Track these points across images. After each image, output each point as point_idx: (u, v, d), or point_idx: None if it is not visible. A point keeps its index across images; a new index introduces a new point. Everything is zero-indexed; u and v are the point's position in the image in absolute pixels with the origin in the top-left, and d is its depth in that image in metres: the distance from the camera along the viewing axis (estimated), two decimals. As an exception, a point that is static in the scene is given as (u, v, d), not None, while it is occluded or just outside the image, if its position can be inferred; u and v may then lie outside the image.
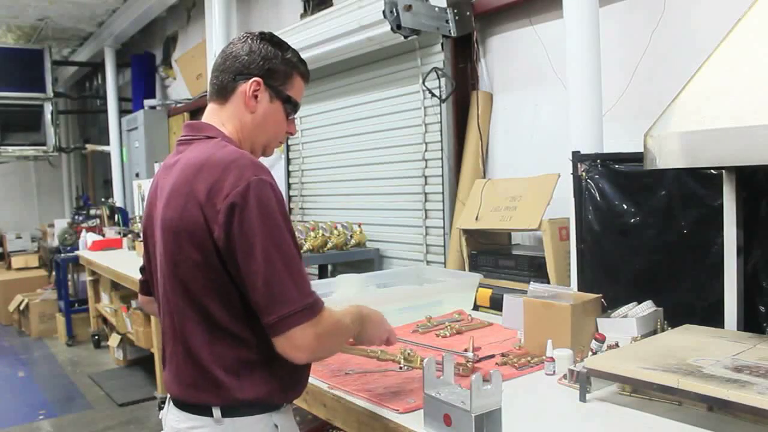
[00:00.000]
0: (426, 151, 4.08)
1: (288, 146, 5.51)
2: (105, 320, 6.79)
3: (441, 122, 3.94)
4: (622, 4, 3.09)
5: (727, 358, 1.75)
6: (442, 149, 3.94)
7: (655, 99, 2.58)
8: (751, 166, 2.00)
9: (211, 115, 1.67)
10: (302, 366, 1.61)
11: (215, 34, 5.68)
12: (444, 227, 3.97)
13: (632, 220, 2.43)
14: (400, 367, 2.02)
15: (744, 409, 1.52)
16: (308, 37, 4.39)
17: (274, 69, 1.64)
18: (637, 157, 1.94)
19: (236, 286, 1.47)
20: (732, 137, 1.70)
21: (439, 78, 3.89)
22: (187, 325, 1.53)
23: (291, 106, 1.70)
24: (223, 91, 1.65)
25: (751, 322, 2.08)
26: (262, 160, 1.65)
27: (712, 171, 2.17)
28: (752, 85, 1.73)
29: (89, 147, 10.14)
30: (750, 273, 2.10)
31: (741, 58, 1.80)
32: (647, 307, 2.22)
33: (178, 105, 7.78)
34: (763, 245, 2.10)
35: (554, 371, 2.04)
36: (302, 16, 4.94)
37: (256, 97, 1.63)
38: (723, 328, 2.08)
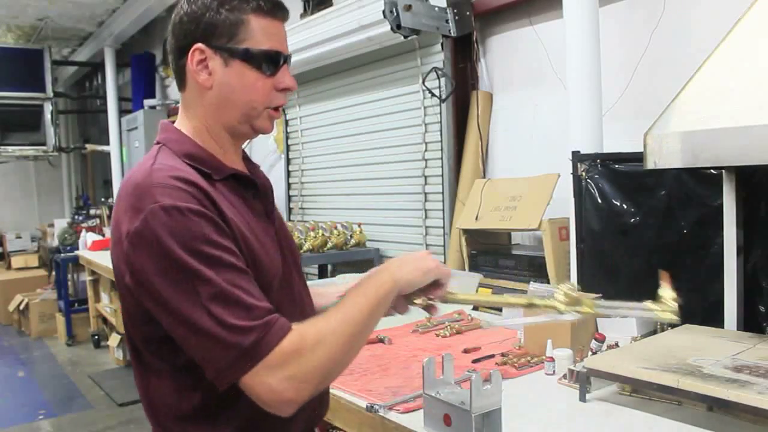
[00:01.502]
0: (426, 150, 4.08)
1: (288, 146, 5.51)
2: (105, 320, 6.79)
3: (441, 122, 3.94)
4: (622, 4, 3.09)
5: (727, 358, 1.75)
6: (441, 149, 3.95)
7: (654, 99, 2.58)
8: (750, 166, 2.00)
9: (180, 108, 1.37)
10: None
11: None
12: (444, 227, 3.97)
13: (632, 220, 2.43)
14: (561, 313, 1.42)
15: (744, 408, 1.52)
16: (308, 36, 4.40)
17: (213, 24, 1.25)
18: (637, 157, 1.94)
19: None
20: (732, 137, 1.70)
21: (438, 78, 3.89)
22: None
23: (260, 59, 1.27)
24: (178, 78, 1.33)
25: (751, 322, 2.08)
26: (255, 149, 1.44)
27: (712, 171, 2.17)
28: (752, 85, 1.73)
29: (89, 147, 10.13)
30: (750, 273, 2.10)
31: (741, 57, 1.81)
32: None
33: (178, 105, 7.77)
34: (763, 245, 2.10)
35: (554, 371, 2.04)
36: (302, 15, 4.94)
37: (206, 68, 1.27)
38: (723, 328, 2.08)
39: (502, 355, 2.21)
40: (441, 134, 3.95)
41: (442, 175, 3.97)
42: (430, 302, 1.38)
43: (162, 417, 1.27)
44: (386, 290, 1.27)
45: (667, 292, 1.48)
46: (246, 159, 1.44)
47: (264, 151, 5.75)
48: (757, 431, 1.57)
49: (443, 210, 3.96)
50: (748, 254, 2.09)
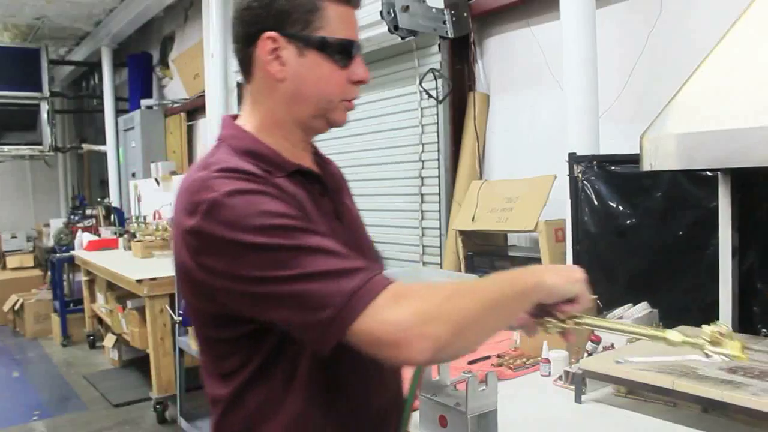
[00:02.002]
0: (423, 152, 4.09)
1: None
2: (100, 320, 6.78)
3: (438, 123, 3.94)
4: (620, 6, 3.09)
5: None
6: (438, 150, 3.95)
7: (651, 101, 2.59)
8: (746, 168, 2.01)
9: (244, 100, 1.26)
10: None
11: (212, 34, 5.67)
12: (440, 228, 3.97)
13: (628, 222, 2.44)
14: (707, 355, 1.25)
15: (738, 410, 1.53)
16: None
17: (286, 10, 1.14)
18: (633, 159, 1.95)
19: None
20: (727, 139, 1.71)
21: (436, 79, 3.89)
22: None
23: (336, 48, 1.17)
24: (244, 68, 1.22)
25: (745, 323, 2.09)
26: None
27: (708, 173, 2.17)
28: (748, 87, 1.73)
29: (85, 147, 10.12)
30: (745, 274, 2.10)
31: (737, 60, 1.81)
32: (643, 308, 2.22)
33: (175, 105, 7.77)
34: (757, 247, 2.11)
35: (550, 373, 2.04)
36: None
37: (279, 58, 1.16)
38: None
39: (498, 356, 2.21)
40: (438, 135, 3.95)
41: (438, 177, 3.97)
42: (566, 326, 1.21)
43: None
44: (527, 285, 1.09)
45: None
46: (316, 154, 1.34)
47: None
48: (751, 433, 1.58)
49: (440, 211, 3.96)
50: (743, 256, 2.10)
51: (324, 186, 1.26)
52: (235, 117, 1.26)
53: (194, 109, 7.27)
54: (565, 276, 1.14)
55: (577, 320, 1.21)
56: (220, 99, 5.72)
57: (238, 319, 1.09)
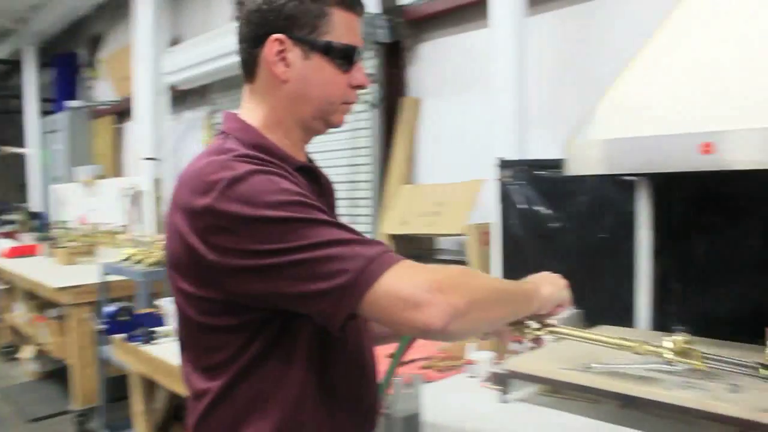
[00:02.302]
0: (356, 156, 4.09)
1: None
2: (17, 331, 6.50)
3: (371, 128, 3.95)
4: (550, 15, 3.16)
5: (638, 356, 1.80)
6: (371, 155, 3.96)
7: (577, 107, 2.65)
8: (663, 174, 2.08)
9: (246, 100, 1.29)
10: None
11: (143, 36, 5.55)
12: (372, 232, 3.97)
13: (553, 225, 2.49)
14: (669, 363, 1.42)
15: (652, 404, 1.58)
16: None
17: (295, 14, 1.18)
18: (559, 164, 1.99)
19: None
20: (646, 146, 1.77)
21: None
22: None
23: (340, 53, 1.21)
24: (248, 67, 1.26)
25: (662, 322, 2.16)
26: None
27: (629, 178, 2.24)
28: (665, 96, 1.80)
29: (5, 149, 9.72)
30: (661, 275, 2.17)
31: (656, 69, 1.88)
32: (568, 309, 2.27)
33: (103, 107, 7.55)
34: (673, 249, 2.18)
35: (476, 374, 2.06)
36: (234, 19, 4.88)
37: (284, 60, 1.20)
38: (635, 328, 2.15)
39: (426, 359, 2.22)
40: (371, 140, 3.96)
41: (371, 181, 3.98)
42: (540, 334, 1.32)
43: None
44: (529, 290, 1.24)
45: None
46: (310, 161, 1.35)
47: (191, 155, 5.62)
48: (665, 425, 1.63)
49: (372, 215, 3.96)
50: (660, 258, 2.17)
51: (322, 188, 1.30)
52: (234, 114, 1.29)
53: (123, 112, 7.08)
54: (555, 285, 1.30)
55: (551, 329, 1.31)
56: (150, 101, 5.59)
57: (242, 307, 1.09)
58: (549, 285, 1.29)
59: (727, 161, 1.60)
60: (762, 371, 1.37)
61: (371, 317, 1.04)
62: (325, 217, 1.05)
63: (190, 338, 1.21)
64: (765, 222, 2.04)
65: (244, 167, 1.06)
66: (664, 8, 1.93)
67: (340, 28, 1.21)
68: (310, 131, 1.27)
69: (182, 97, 5.99)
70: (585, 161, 1.92)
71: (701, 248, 2.16)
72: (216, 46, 4.73)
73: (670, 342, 1.36)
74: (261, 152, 1.15)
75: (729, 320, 2.01)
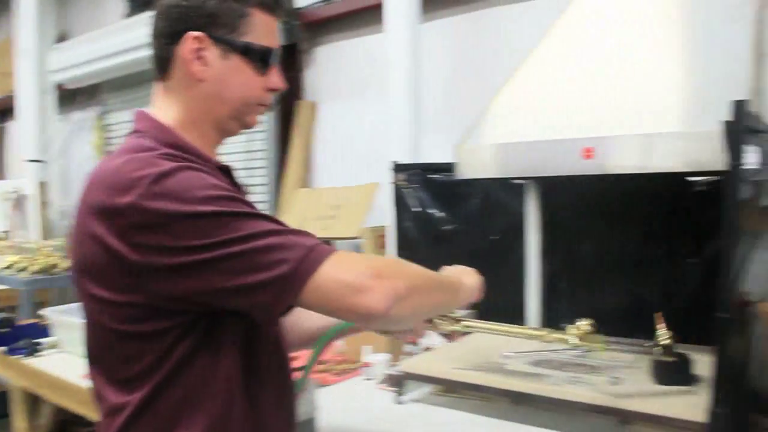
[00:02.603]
0: (251, 159, 4.03)
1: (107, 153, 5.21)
2: None
3: (267, 131, 3.91)
4: (443, 21, 3.23)
5: (528, 354, 1.86)
6: (266, 158, 3.92)
7: (470, 112, 2.71)
8: (550, 177, 2.16)
9: (157, 98, 1.24)
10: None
11: (26, 30, 5.25)
12: (269, 236, 3.92)
13: (446, 228, 2.54)
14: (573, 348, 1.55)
15: (541, 399, 1.64)
16: (131, 38, 4.18)
17: (216, 13, 1.16)
18: (452, 168, 2.03)
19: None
20: (533, 150, 1.83)
21: (264, 86, 3.85)
22: None
23: (258, 55, 1.19)
24: (162, 64, 1.21)
25: (551, 320, 2.24)
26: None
27: (518, 181, 2.31)
28: (552, 102, 1.87)
29: None
30: (550, 275, 2.25)
31: (543, 76, 1.95)
32: (460, 309, 2.32)
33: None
34: (561, 250, 2.27)
35: (372, 376, 2.08)
36: (126, 16, 4.71)
37: (202, 59, 1.16)
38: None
39: (322, 362, 2.21)
40: (266, 143, 3.92)
41: (267, 185, 3.93)
42: (456, 329, 1.38)
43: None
44: (456, 282, 1.27)
45: (662, 332, 1.57)
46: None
47: (81, 158, 5.41)
48: (555, 419, 1.69)
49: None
50: (548, 258, 2.25)
51: (239, 189, 1.26)
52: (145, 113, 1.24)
53: (5, 110, 6.68)
54: (476, 282, 1.34)
55: (464, 323, 1.39)
56: (35, 100, 5.30)
57: (166, 310, 1.05)
58: (469, 277, 1.34)
59: (607, 166, 1.68)
60: (656, 350, 1.53)
61: (313, 306, 1.02)
62: (256, 211, 1.03)
63: (103, 349, 1.13)
64: (643, 223, 2.16)
65: (169, 164, 1.03)
66: (552, 17, 2.01)
67: (260, 29, 1.19)
68: (224, 132, 1.24)
69: (70, 97, 5.72)
70: (476, 165, 1.96)
71: (586, 249, 2.26)
72: (107, 43, 4.55)
73: (574, 329, 1.48)
74: (178, 152, 1.12)
75: (613, 317, 2.10)
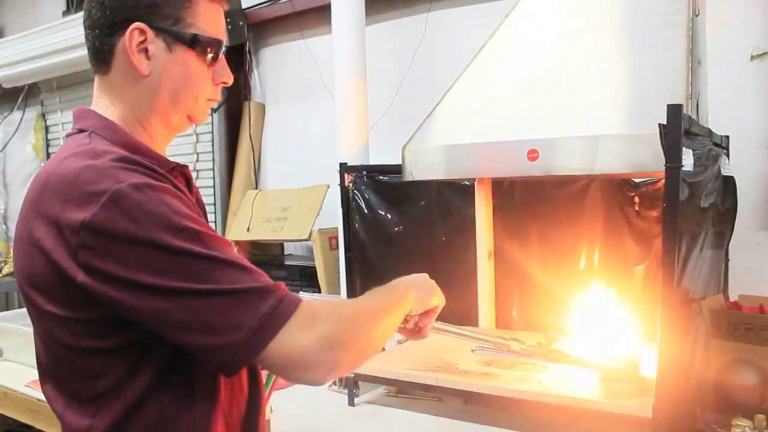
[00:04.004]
0: (197, 161, 3.98)
1: (48, 155, 5.05)
2: None
3: (212, 132, 3.87)
4: (389, 24, 3.25)
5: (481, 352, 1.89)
6: (213, 160, 3.88)
7: (417, 114, 2.74)
8: (499, 178, 2.20)
9: (98, 93, 1.14)
10: None
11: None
12: (217, 239, 3.88)
13: (396, 229, 2.55)
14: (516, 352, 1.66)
15: (492, 399, 1.67)
16: (71, 37, 4.06)
17: (158, 2, 1.07)
18: (400, 170, 2.04)
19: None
20: (479, 151, 1.86)
21: (209, 87, 3.81)
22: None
23: (205, 46, 1.11)
24: (100, 57, 1.12)
25: (503, 320, 2.28)
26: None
27: (467, 183, 2.34)
28: (497, 104, 1.90)
29: None
30: (498, 276, 2.29)
31: (487, 78, 1.98)
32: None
33: None
34: (512, 250, 2.30)
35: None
36: (65, 13, 4.58)
37: (146, 51, 1.08)
38: (478, 326, 2.25)
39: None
40: (213, 144, 3.87)
41: (213, 186, 3.89)
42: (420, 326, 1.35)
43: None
44: (405, 297, 1.22)
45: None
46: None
47: (21, 160, 5.24)
48: (505, 418, 1.72)
49: (215, 222, 3.87)
50: (498, 259, 2.28)
51: (191, 190, 1.19)
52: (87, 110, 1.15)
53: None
54: (428, 290, 1.31)
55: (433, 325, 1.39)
56: None
57: (127, 324, 0.96)
58: (421, 287, 1.30)
59: (551, 168, 1.71)
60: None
61: (264, 368, 1.00)
62: (220, 251, 0.94)
63: (61, 365, 1.04)
64: (584, 223, 2.21)
65: (129, 178, 0.93)
66: (497, 20, 2.04)
67: (205, 19, 1.11)
68: (172, 129, 1.18)
69: (8, 96, 5.54)
70: (422, 166, 1.98)
71: (534, 249, 2.30)
72: (45, 41, 4.42)
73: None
74: (133, 153, 1.04)
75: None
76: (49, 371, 1.08)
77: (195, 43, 1.10)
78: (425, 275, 1.35)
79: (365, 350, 1.07)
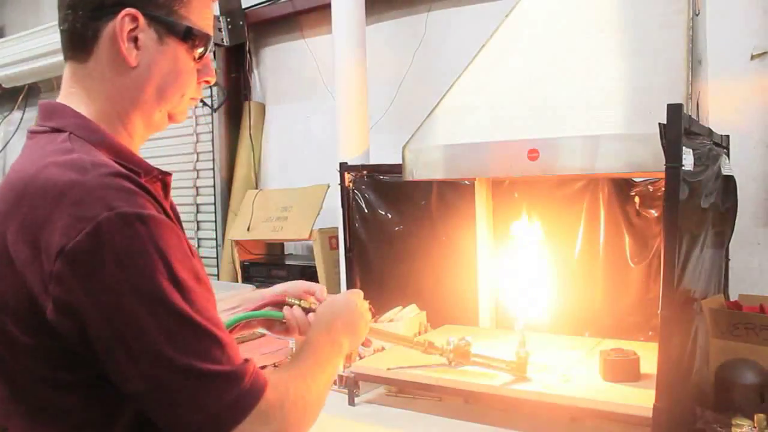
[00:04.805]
0: (197, 161, 3.98)
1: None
2: None
3: (213, 132, 3.87)
4: (388, 23, 3.25)
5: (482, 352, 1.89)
6: (213, 159, 3.88)
7: (417, 114, 2.74)
8: (497, 177, 2.20)
9: (71, 83, 1.02)
10: None
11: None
12: (216, 239, 3.89)
13: (396, 229, 2.55)
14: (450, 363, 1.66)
15: (492, 398, 1.66)
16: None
17: None
18: (400, 169, 2.04)
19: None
20: (479, 151, 1.86)
21: (210, 87, 3.80)
22: None
23: (197, 41, 1.03)
24: (80, 42, 1.00)
25: (504, 319, 2.27)
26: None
27: (466, 182, 2.34)
28: (497, 103, 1.90)
29: None
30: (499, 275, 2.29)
31: (487, 78, 1.98)
32: (411, 310, 2.34)
33: None
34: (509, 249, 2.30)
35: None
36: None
37: (135, 40, 0.98)
38: (478, 325, 2.25)
39: (275, 365, 2.20)
40: (213, 144, 3.88)
41: (214, 186, 3.90)
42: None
43: None
44: (341, 350, 1.17)
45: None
46: None
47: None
48: (505, 418, 1.72)
49: (216, 221, 3.88)
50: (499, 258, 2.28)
51: (166, 197, 1.08)
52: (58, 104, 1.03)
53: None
54: (356, 327, 1.22)
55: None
56: None
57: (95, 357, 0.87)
58: (353, 332, 1.22)
59: (551, 167, 1.71)
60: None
61: None
62: (202, 313, 0.86)
63: (31, 397, 0.91)
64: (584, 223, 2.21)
65: (120, 204, 0.84)
66: (497, 20, 2.04)
67: (197, 13, 1.03)
68: (152, 127, 1.08)
69: (9, 96, 5.54)
70: (423, 166, 1.98)
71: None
72: (47, 40, 4.41)
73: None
74: (117, 158, 0.95)
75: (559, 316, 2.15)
76: (15, 409, 0.94)
77: (188, 36, 1.02)
78: (353, 300, 1.27)
79: (311, 421, 1.03)
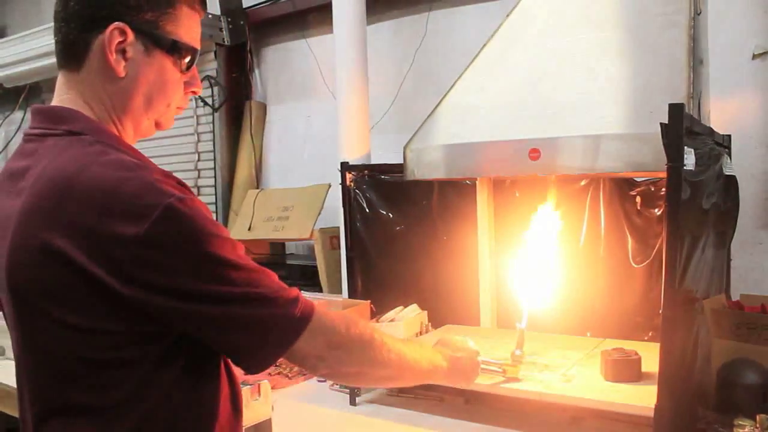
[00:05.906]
0: (199, 161, 3.98)
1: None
2: None
3: (214, 132, 3.87)
4: (389, 24, 3.25)
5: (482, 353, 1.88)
6: (215, 159, 3.88)
7: (418, 113, 2.74)
8: (498, 177, 2.20)
9: (66, 90, 1.09)
10: None
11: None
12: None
13: (397, 228, 2.55)
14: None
15: (492, 398, 1.66)
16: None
17: (140, 3, 1.05)
18: (401, 169, 2.04)
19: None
20: (481, 151, 1.85)
21: (212, 87, 3.82)
22: None
23: (183, 54, 1.10)
24: (73, 52, 1.07)
25: (504, 319, 2.27)
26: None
27: (467, 182, 2.34)
28: (498, 103, 1.89)
29: None
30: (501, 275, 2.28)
31: (486, 78, 1.97)
32: (412, 310, 2.34)
33: None
34: (511, 249, 2.30)
35: (326, 378, 2.08)
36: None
37: (123, 52, 1.05)
38: (479, 325, 2.25)
39: (276, 365, 2.21)
40: (214, 144, 3.88)
41: (215, 186, 3.90)
42: None
43: None
44: (439, 379, 1.40)
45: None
46: None
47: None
48: (505, 418, 1.72)
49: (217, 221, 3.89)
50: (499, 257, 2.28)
51: None
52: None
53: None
54: (464, 378, 1.48)
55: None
56: None
57: (150, 335, 0.98)
58: (457, 380, 1.49)
59: (553, 167, 1.71)
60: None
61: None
62: (248, 262, 1.00)
63: (63, 382, 1.01)
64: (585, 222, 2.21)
65: (172, 191, 0.94)
66: (498, 19, 2.04)
67: (185, 26, 1.10)
68: (140, 133, 1.15)
69: (10, 96, 5.55)
70: (425, 166, 1.98)
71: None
72: (49, 40, 4.39)
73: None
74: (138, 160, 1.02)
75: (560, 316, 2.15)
76: (43, 390, 1.04)
77: (174, 49, 1.09)
78: (477, 361, 1.51)
79: (369, 369, 1.20)
